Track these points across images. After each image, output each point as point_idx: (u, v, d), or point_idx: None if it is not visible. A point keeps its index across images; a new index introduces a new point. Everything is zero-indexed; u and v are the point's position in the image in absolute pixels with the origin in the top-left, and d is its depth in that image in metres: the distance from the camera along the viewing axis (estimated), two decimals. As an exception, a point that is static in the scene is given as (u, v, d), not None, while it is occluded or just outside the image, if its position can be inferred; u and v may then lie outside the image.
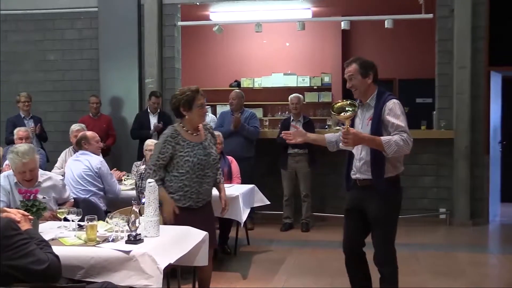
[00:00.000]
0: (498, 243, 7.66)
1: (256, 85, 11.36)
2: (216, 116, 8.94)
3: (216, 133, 6.71)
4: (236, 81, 11.60)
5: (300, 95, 7.94)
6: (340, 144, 3.88)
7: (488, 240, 7.71)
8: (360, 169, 3.96)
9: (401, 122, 3.76)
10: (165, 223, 4.08)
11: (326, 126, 8.84)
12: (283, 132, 4.28)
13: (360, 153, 3.97)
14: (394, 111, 3.79)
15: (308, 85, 11.18)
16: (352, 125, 3.98)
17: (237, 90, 8.06)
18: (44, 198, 4.31)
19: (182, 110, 4.15)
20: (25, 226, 3.18)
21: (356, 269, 4.20)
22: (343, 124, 3.79)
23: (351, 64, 3.99)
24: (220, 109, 10.79)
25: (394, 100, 3.85)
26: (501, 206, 9.04)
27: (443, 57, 8.15)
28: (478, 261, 6.34)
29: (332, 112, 3.86)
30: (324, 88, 11.34)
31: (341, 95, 11.10)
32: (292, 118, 7.73)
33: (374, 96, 3.94)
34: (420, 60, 10.77)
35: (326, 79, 11.25)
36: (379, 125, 3.83)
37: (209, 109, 9.82)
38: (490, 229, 7.98)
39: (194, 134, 4.18)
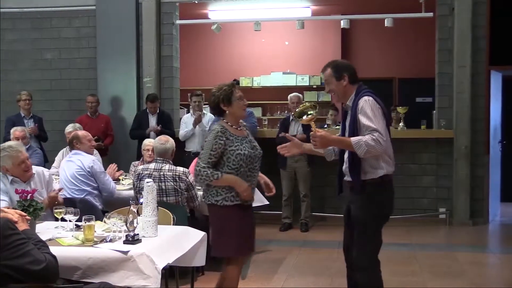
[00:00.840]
0: (498, 243, 7.68)
1: (255, 84, 11.35)
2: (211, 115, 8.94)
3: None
4: (234, 80, 11.52)
5: (300, 94, 7.94)
6: (312, 146, 3.87)
7: (488, 239, 7.72)
8: (346, 171, 3.92)
9: (371, 121, 3.65)
10: (246, 201, 4.04)
11: (326, 126, 8.83)
12: (278, 146, 4.14)
13: (346, 155, 3.91)
14: (364, 110, 3.69)
15: (308, 84, 11.19)
16: (343, 128, 3.97)
17: (236, 90, 8.05)
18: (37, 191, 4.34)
19: (222, 106, 4.12)
20: (22, 226, 3.19)
21: (351, 273, 4.06)
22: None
23: (325, 69, 3.94)
24: (218, 108, 10.76)
25: (365, 98, 3.73)
26: (501, 206, 9.06)
27: (443, 56, 8.16)
28: (478, 261, 6.35)
29: (294, 117, 3.88)
30: (324, 87, 11.30)
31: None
32: (291, 117, 7.73)
33: (352, 96, 3.86)
34: (420, 59, 10.78)
35: (323, 75, 11.22)
36: (354, 126, 3.75)
37: (206, 108, 9.83)
38: (490, 229, 7.99)
39: (238, 128, 4.17)
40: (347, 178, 3.90)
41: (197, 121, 7.77)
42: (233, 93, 4.11)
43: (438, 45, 8.23)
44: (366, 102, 3.70)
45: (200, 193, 5.57)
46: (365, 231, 3.82)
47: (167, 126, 7.95)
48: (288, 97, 7.87)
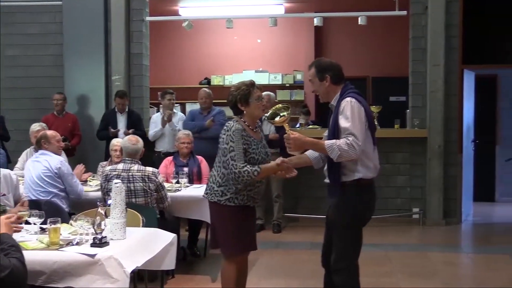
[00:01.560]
0: (471, 243, 7.79)
1: (227, 83, 11.34)
2: (185, 115, 8.89)
3: (186, 132, 6.77)
4: (206, 78, 11.58)
5: (271, 93, 7.95)
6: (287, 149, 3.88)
7: (461, 239, 7.83)
8: (325, 172, 3.93)
9: (348, 124, 3.62)
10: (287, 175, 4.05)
11: (298, 125, 8.87)
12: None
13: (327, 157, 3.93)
14: (344, 112, 3.67)
15: (280, 82, 11.22)
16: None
17: (207, 89, 8.04)
18: (4, 195, 4.25)
19: (240, 106, 4.14)
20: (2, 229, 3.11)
21: (327, 276, 4.06)
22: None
23: (310, 68, 3.94)
24: (189, 107, 10.73)
25: (347, 99, 3.69)
26: (473, 205, 9.18)
27: (416, 55, 8.24)
28: (450, 261, 6.43)
29: (267, 119, 3.90)
30: (297, 86, 11.38)
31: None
32: (263, 117, 7.71)
33: (337, 96, 3.84)
34: (393, 57, 10.88)
35: (299, 76, 11.30)
36: (335, 128, 3.74)
37: (177, 107, 9.77)
38: (463, 229, 8.10)
39: (255, 130, 4.18)
40: (327, 179, 3.91)
41: (167, 120, 7.73)
42: (251, 93, 4.12)
43: (411, 44, 8.31)
44: (348, 104, 3.68)
45: (170, 193, 5.57)
46: (342, 234, 3.82)
47: (137, 126, 7.88)
48: (260, 96, 7.85)
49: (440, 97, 7.99)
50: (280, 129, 7.48)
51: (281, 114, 3.86)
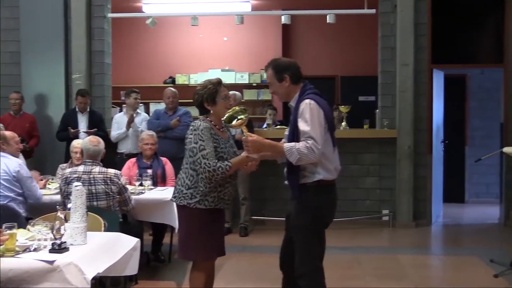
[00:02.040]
0: (440, 244, 7.89)
1: (192, 82, 11.29)
2: (148, 115, 8.83)
3: (149, 133, 6.72)
4: (170, 77, 11.52)
5: (237, 93, 7.94)
6: (244, 152, 3.90)
7: (431, 241, 7.93)
8: (285, 174, 3.96)
9: (308, 127, 3.66)
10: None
11: (265, 125, 8.87)
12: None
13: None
14: (303, 114, 3.70)
15: (247, 82, 11.21)
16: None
17: (172, 89, 8.00)
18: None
19: (206, 105, 4.11)
20: None
21: (285, 280, 4.09)
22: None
23: (267, 69, 3.95)
24: (153, 107, 10.66)
25: (307, 101, 3.73)
26: (443, 207, 9.31)
27: (386, 54, 8.32)
28: (420, 263, 6.51)
29: (224, 122, 3.90)
30: (264, 85, 11.35)
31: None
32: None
33: (296, 96, 3.88)
34: (363, 56, 10.95)
35: (266, 75, 11.29)
36: (294, 130, 3.77)
37: (141, 107, 9.68)
38: (433, 230, 8.20)
39: (221, 129, 4.17)
40: (286, 181, 3.93)
41: (129, 121, 7.67)
42: (218, 92, 4.11)
43: (381, 43, 8.38)
44: (307, 106, 3.71)
45: (134, 196, 5.52)
46: (303, 237, 3.84)
47: (99, 126, 7.79)
48: (227, 96, 7.84)
49: (410, 97, 8.08)
50: (247, 127, 7.47)
51: (239, 117, 3.85)
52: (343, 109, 8.25)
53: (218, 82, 4.16)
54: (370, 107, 9.59)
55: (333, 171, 3.87)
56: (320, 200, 3.84)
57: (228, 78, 11.05)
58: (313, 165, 3.76)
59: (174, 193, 4.22)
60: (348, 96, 11.16)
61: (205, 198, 4.05)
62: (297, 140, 3.71)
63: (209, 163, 3.94)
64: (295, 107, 3.81)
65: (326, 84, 11.45)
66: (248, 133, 3.80)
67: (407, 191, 8.09)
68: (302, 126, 3.69)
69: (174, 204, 5.61)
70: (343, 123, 8.22)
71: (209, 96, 4.10)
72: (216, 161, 3.97)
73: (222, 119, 4.00)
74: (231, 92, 7.69)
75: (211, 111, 4.14)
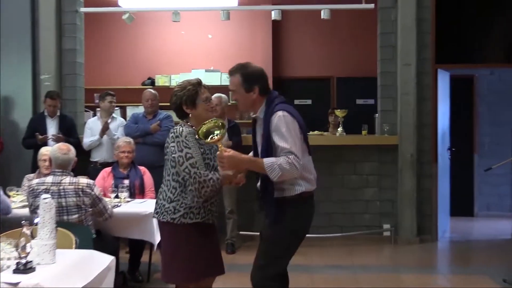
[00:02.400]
0: (448, 263, 7.88)
1: (174, 83, 11.25)
2: (125, 120, 8.79)
3: (126, 139, 6.68)
4: (149, 78, 11.48)
5: (223, 95, 7.89)
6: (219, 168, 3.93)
7: (437, 259, 7.92)
8: (258, 187, 4.02)
9: (286, 142, 3.74)
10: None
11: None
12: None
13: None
14: (279, 129, 3.78)
15: (234, 83, 11.20)
16: (254, 141, 4.07)
17: (152, 90, 7.97)
18: None
19: (185, 108, 4.10)
20: None
21: None
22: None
23: (234, 74, 3.97)
24: (130, 111, 10.62)
25: (279, 113, 3.80)
26: (450, 221, 9.32)
27: (386, 53, 8.33)
28: (425, 283, 6.48)
29: (198, 137, 3.87)
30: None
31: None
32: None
33: (263, 107, 3.96)
34: (361, 56, 10.98)
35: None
36: (268, 144, 3.84)
37: (117, 111, 9.64)
38: (439, 247, 8.19)
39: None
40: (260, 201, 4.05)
41: (104, 129, 7.64)
42: (198, 94, 4.10)
43: (380, 41, 8.39)
44: (281, 119, 3.79)
45: (111, 203, 5.49)
46: (273, 248, 3.97)
47: (70, 132, 7.75)
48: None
49: (412, 100, 8.08)
50: (234, 135, 7.46)
51: (215, 133, 3.82)
52: (340, 113, 8.26)
53: (198, 83, 4.14)
54: (369, 111, 9.61)
55: (313, 181, 4.00)
56: (300, 213, 3.95)
57: (213, 79, 11.04)
58: (297, 177, 3.86)
59: (155, 209, 4.18)
60: (344, 99, 11.18)
61: (190, 211, 4.01)
62: (272, 155, 3.78)
63: (200, 173, 3.91)
64: (265, 119, 3.87)
65: (321, 86, 11.47)
66: (223, 148, 3.80)
67: (410, 204, 8.08)
68: (279, 141, 3.76)
69: (153, 218, 5.62)
70: (339, 129, 8.22)
71: (189, 98, 4.08)
72: (207, 171, 3.96)
73: (196, 135, 3.95)
74: (216, 95, 7.79)
75: (190, 115, 4.13)
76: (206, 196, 3.97)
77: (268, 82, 4.01)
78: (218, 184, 3.96)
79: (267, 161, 3.74)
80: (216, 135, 3.80)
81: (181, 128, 4.03)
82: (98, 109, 8.25)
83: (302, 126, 3.89)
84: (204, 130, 3.83)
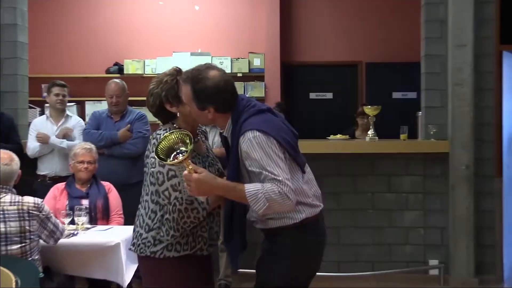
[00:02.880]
0: (517, 313, 7.83)
1: (148, 71, 11.27)
2: (84, 120, 8.75)
3: (86, 146, 6.65)
4: (116, 64, 11.48)
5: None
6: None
7: (503, 308, 7.88)
8: (250, 214, 4.03)
9: (267, 170, 3.69)
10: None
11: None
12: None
13: None
14: (252, 157, 3.74)
15: (229, 71, 11.17)
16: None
17: (118, 81, 7.93)
18: None
19: (169, 107, 4.09)
20: None
21: None
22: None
23: (185, 83, 3.90)
24: (90, 108, 10.58)
25: (248, 135, 3.75)
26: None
27: (432, 30, 8.27)
28: None
29: (156, 156, 3.78)
30: (254, 75, 11.36)
31: (279, 85, 11.13)
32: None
33: (228, 124, 3.94)
34: (398, 34, 10.96)
35: (257, 62, 11.29)
36: (237, 170, 3.85)
37: (73, 108, 9.60)
38: (506, 291, 8.15)
39: (195, 140, 4.14)
40: (258, 225, 4.03)
41: (63, 134, 7.61)
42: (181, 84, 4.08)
43: (424, 14, 8.34)
44: (251, 144, 3.73)
45: (62, 240, 5.44)
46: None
47: (9, 135, 7.72)
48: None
49: (468, 93, 8.02)
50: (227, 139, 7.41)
51: (181, 150, 3.75)
52: (370, 111, 8.19)
53: (176, 70, 4.13)
54: (409, 108, 9.57)
55: (316, 201, 3.99)
56: (304, 244, 3.94)
57: (201, 65, 11.03)
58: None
59: (132, 239, 4.17)
60: (377, 92, 11.18)
61: (175, 241, 3.98)
62: (243, 179, 3.80)
63: (181, 198, 3.89)
64: (233, 140, 3.86)
65: (345, 74, 11.46)
66: (192, 167, 3.73)
67: (466, 232, 8.01)
68: (258, 169, 3.71)
69: (122, 251, 5.58)
70: (370, 132, 8.15)
71: (169, 92, 4.06)
72: (193, 196, 3.92)
73: (152, 152, 3.90)
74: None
75: (178, 114, 4.11)
76: (184, 229, 3.96)
77: (230, 95, 3.91)
78: (202, 216, 3.93)
79: (250, 188, 3.69)
80: (182, 154, 3.72)
81: (164, 134, 4.00)
82: (47, 104, 8.21)
83: (286, 139, 3.84)
84: (165, 148, 3.77)
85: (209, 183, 3.73)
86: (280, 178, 3.66)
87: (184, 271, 4.03)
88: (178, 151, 3.74)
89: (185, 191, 3.86)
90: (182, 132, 3.82)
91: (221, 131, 4.05)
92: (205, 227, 4.07)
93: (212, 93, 3.85)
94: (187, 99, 3.90)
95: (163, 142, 3.78)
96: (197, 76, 3.88)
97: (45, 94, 8.41)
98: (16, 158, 5.33)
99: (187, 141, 3.75)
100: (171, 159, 3.74)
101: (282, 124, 3.93)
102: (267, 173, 3.68)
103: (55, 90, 7.82)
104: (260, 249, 4.09)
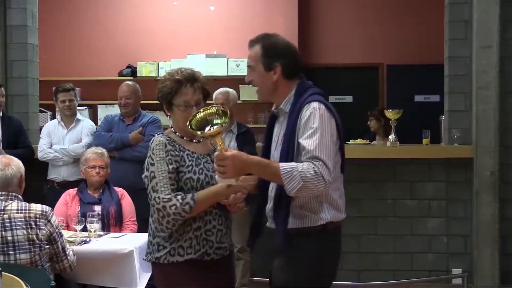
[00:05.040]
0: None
1: (162, 74, 11.25)
2: (96, 124, 8.78)
3: (97, 150, 6.67)
4: (129, 66, 11.49)
5: (231, 90, 7.89)
6: (216, 176, 3.86)
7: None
8: (269, 213, 3.99)
9: (313, 143, 3.69)
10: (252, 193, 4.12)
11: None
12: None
13: (271, 187, 4.00)
14: (309, 124, 3.75)
15: (245, 74, 11.17)
16: (267, 145, 4.07)
17: (130, 83, 7.96)
18: None
19: (164, 107, 4.21)
20: None
21: None
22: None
23: (254, 45, 4.00)
24: (103, 111, 10.61)
25: (314, 105, 3.79)
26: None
27: (456, 31, 8.26)
28: None
29: (190, 128, 3.83)
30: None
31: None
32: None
33: (290, 98, 3.93)
34: (421, 35, 10.94)
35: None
36: (290, 146, 3.82)
37: (84, 111, 9.63)
38: (533, 301, 8.11)
39: (195, 140, 4.19)
40: (270, 223, 4.01)
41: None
42: (178, 93, 4.16)
43: (448, 14, 8.33)
44: (315, 112, 3.76)
45: (74, 247, 5.46)
46: None
47: (18, 139, 7.75)
48: (214, 95, 7.80)
49: (493, 96, 7.98)
50: (246, 144, 7.42)
51: (216, 123, 3.79)
52: (391, 114, 8.17)
53: (187, 79, 4.16)
54: (432, 112, 9.53)
55: (343, 209, 3.99)
56: (323, 252, 3.91)
57: (217, 67, 11.07)
58: (317, 200, 3.83)
59: (147, 248, 4.24)
60: (398, 95, 11.15)
61: (178, 245, 4.01)
62: (293, 161, 3.75)
63: (158, 197, 3.95)
64: (291, 113, 3.85)
65: (365, 76, 11.45)
66: (224, 146, 3.75)
67: (490, 240, 7.98)
68: (306, 141, 3.71)
69: (135, 258, 5.60)
70: (391, 137, 8.15)
71: (164, 96, 4.16)
72: (171, 194, 3.95)
73: (188, 123, 3.93)
74: (222, 90, 7.81)
75: (169, 117, 4.25)
76: (171, 229, 3.99)
77: (298, 63, 3.98)
78: (184, 212, 3.92)
79: (285, 166, 3.67)
80: (216, 125, 3.76)
81: (157, 137, 4.11)
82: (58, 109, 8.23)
83: (341, 131, 3.86)
84: (199, 118, 3.81)
85: (243, 160, 3.73)
86: (321, 156, 3.65)
87: (191, 277, 4.03)
88: (214, 123, 3.78)
89: (165, 189, 3.93)
90: (219, 108, 3.87)
91: (274, 108, 4.03)
92: (211, 230, 4.09)
93: (283, 49, 3.96)
94: (253, 61, 3.99)
95: (197, 115, 3.84)
96: (268, 34, 4.04)
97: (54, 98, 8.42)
98: (14, 163, 5.30)
99: (223, 115, 3.81)
100: (204, 132, 3.79)
101: (339, 117, 3.91)
102: (311, 146, 3.66)
103: (61, 96, 7.87)
104: (276, 255, 4.04)
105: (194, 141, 4.18)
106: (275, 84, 3.94)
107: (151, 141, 4.12)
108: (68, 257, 5.30)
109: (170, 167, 3.99)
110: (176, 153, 4.05)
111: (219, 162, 3.73)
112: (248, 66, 4.05)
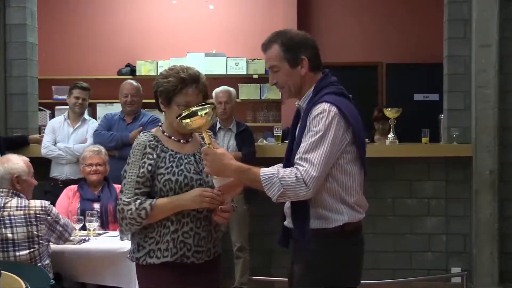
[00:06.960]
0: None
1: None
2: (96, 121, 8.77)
3: (94, 148, 6.67)
4: (128, 65, 11.49)
5: (231, 89, 7.89)
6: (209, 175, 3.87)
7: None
8: (287, 212, 3.93)
9: (307, 146, 3.61)
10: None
11: (272, 139, 8.80)
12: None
13: None
14: (312, 126, 3.66)
15: (245, 72, 11.18)
16: (292, 139, 3.96)
17: (133, 82, 7.95)
18: None
19: (160, 102, 4.13)
20: None
21: None
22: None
23: (270, 46, 3.88)
24: (102, 110, 10.61)
25: (325, 106, 3.66)
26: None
27: (455, 30, 8.25)
28: None
29: (178, 119, 3.83)
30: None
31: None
32: (219, 125, 7.65)
33: (309, 94, 3.84)
34: (420, 34, 10.93)
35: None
36: (296, 145, 3.76)
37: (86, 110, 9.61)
38: (532, 300, 8.11)
39: (182, 141, 4.15)
40: (288, 223, 3.94)
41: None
42: (181, 92, 4.08)
43: (447, 13, 8.32)
44: (322, 114, 3.63)
45: (73, 246, 5.47)
46: None
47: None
48: (213, 93, 7.79)
49: (493, 95, 7.99)
50: (247, 145, 7.41)
51: (200, 113, 3.78)
52: (391, 113, 8.16)
53: (193, 79, 4.10)
54: (431, 111, 9.53)
55: (359, 207, 3.89)
56: (343, 253, 3.83)
57: (216, 66, 11.06)
58: (335, 200, 3.75)
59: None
60: (397, 94, 11.13)
61: (156, 247, 3.99)
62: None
63: (120, 199, 3.98)
64: (306, 110, 3.78)
65: (364, 75, 11.41)
66: (213, 143, 3.77)
67: (490, 239, 7.98)
68: (304, 142, 3.64)
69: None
70: (390, 135, 8.13)
71: (164, 92, 4.08)
72: (131, 197, 3.94)
73: (176, 117, 3.92)
74: (223, 88, 7.81)
75: (164, 113, 4.19)
76: (129, 230, 4.02)
77: (318, 52, 3.88)
78: (140, 217, 3.89)
79: (265, 172, 3.62)
80: (201, 115, 3.76)
81: (141, 136, 4.11)
82: (58, 107, 8.23)
83: (358, 134, 3.73)
84: (188, 113, 3.82)
85: (222, 162, 3.70)
86: (310, 158, 3.57)
87: (170, 280, 4.00)
88: (199, 113, 3.78)
89: (128, 191, 3.94)
90: (207, 103, 3.91)
91: (297, 104, 3.93)
92: (188, 232, 4.02)
93: (303, 40, 3.86)
94: (276, 60, 3.85)
95: (187, 111, 3.84)
96: (281, 31, 3.92)
97: (56, 95, 8.45)
98: (8, 162, 5.30)
99: (212, 107, 3.83)
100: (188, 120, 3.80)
101: (357, 114, 3.79)
102: (302, 149, 3.60)
103: (76, 92, 7.89)
104: (294, 257, 3.98)
105: (182, 141, 4.14)
106: (303, 79, 3.82)
107: (136, 138, 4.13)
108: (69, 229, 5.42)
109: (141, 170, 3.97)
110: (155, 155, 4.01)
111: (203, 156, 3.76)
112: (270, 68, 3.90)
